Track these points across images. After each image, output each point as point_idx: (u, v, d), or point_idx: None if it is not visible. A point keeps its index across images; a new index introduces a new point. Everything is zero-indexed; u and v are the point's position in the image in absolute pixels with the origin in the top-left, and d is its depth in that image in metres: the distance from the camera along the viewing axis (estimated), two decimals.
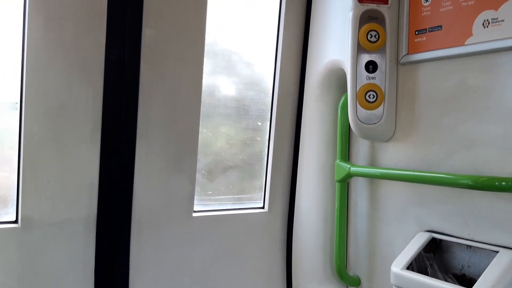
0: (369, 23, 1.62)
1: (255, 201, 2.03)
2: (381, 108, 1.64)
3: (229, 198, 1.98)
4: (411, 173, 1.52)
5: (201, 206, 1.88)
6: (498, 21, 1.34)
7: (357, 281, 1.84)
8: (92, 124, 1.55)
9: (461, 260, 1.43)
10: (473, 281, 1.29)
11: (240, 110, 1.97)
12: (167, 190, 1.72)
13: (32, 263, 1.50)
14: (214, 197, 1.93)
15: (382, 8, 1.62)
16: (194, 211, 1.81)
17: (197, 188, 1.81)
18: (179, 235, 1.76)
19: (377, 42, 1.62)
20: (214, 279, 1.86)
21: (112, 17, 1.55)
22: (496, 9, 1.35)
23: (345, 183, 1.85)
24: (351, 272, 1.88)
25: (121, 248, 1.64)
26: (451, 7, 1.48)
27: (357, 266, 1.86)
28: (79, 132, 1.54)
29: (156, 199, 1.70)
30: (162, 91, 1.67)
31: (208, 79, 1.82)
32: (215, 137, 1.93)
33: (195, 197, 1.81)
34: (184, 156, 1.74)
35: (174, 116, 1.71)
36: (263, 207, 2.02)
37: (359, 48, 1.63)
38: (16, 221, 1.49)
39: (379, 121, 1.64)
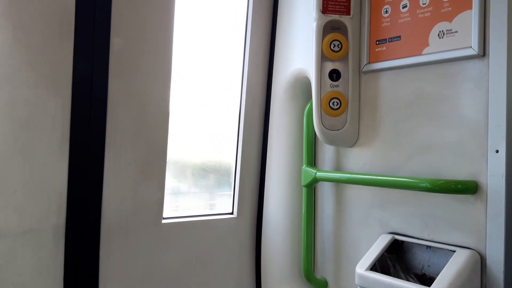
0: (332, 33, 1.68)
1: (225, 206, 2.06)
2: (344, 115, 1.69)
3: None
4: (374, 177, 1.58)
5: (171, 213, 1.89)
6: (452, 32, 1.42)
7: (324, 284, 1.89)
8: (61, 134, 1.55)
9: (421, 260, 1.49)
10: (432, 279, 1.34)
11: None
12: (136, 198, 1.73)
13: (0, 274, 1.48)
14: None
15: (345, 19, 1.68)
16: (164, 218, 1.83)
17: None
18: (148, 243, 1.77)
19: (340, 52, 1.67)
20: (184, 285, 1.87)
21: (80, 28, 1.55)
22: (450, 21, 1.43)
23: (311, 188, 1.89)
24: (318, 275, 1.93)
25: (90, 256, 1.64)
26: (409, 18, 1.55)
27: (324, 268, 1.91)
28: (47, 143, 1.53)
29: (125, 207, 1.70)
30: (130, 100, 1.68)
31: (177, 87, 1.85)
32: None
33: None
34: (153, 164, 1.76)
35: (143, 124, 1.72)
36: (232, 213, 2.05)
37: (323, 57, 1.68)
38: None
39: (343, 127, 1.69)
